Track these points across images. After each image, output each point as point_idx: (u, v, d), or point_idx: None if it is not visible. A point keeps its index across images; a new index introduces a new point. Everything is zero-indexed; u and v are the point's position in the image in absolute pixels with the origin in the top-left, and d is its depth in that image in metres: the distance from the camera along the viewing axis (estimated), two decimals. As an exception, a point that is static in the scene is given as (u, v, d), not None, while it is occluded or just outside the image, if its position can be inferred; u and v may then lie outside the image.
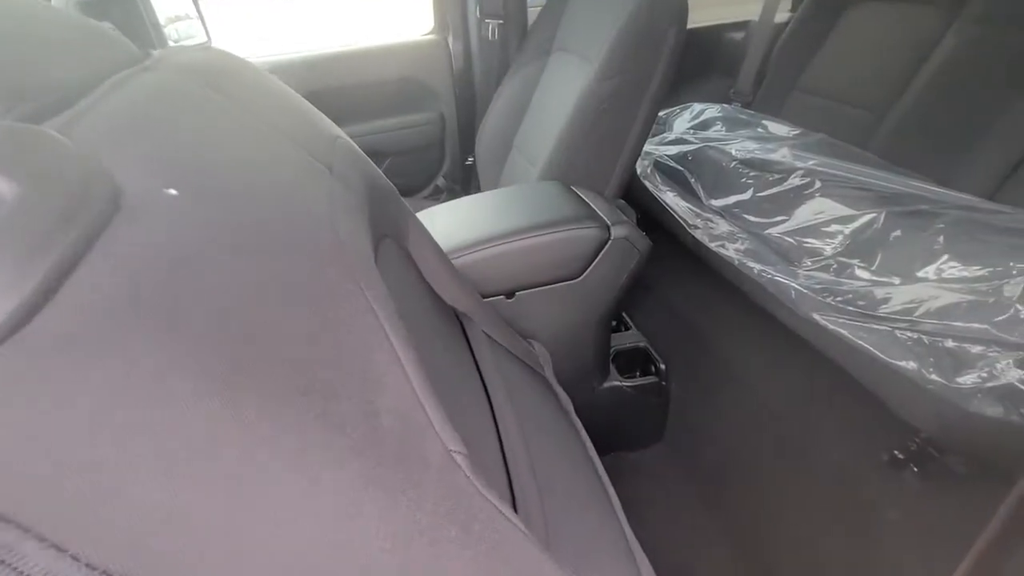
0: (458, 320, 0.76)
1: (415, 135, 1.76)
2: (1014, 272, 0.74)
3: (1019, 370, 0.71)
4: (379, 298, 0.34)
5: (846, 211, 1.05)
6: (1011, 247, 0.79)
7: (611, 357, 1.26)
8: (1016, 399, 0.72)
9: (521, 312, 1.00)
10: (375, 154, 1.73)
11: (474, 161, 1.67)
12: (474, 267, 0.93)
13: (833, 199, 1.10)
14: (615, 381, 1.22)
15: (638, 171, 1.54)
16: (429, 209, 1.08)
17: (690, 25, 1.87)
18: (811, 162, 1.21)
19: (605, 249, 0.99)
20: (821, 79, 1.57)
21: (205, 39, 1.36)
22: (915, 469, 0.92)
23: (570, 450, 0.70)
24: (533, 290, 0.99)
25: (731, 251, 1.18)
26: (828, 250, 1.02)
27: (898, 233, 0.93)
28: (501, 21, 1.56)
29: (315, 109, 0.58)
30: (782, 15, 1.76)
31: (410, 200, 1.88)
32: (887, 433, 0.93)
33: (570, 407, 0.82)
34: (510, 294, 0.98)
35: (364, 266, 0.36)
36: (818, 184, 1.15)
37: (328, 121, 0.59)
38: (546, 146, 1.22)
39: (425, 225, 0.73)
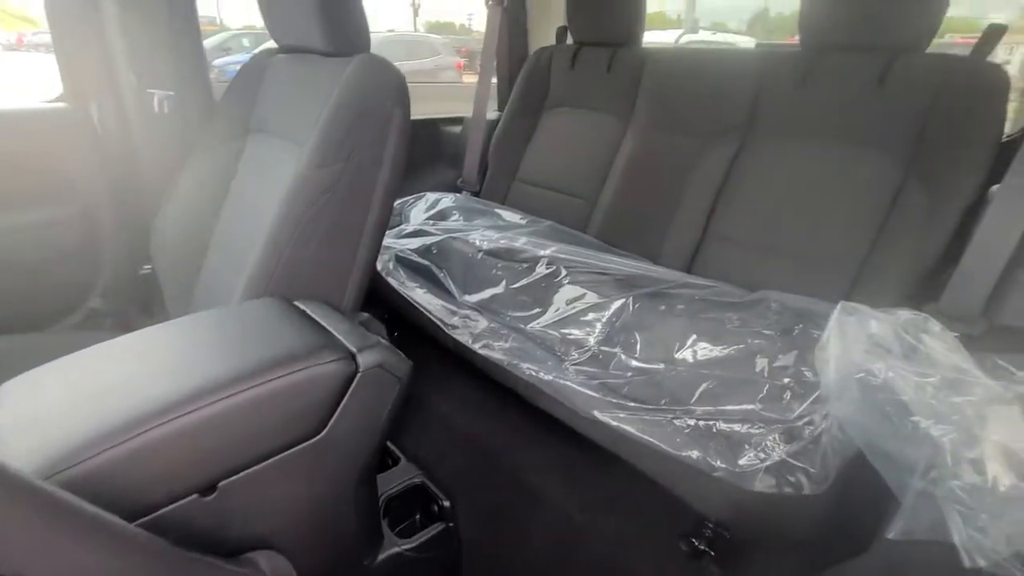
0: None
1: (44, 239, 1.19)
2: (755, 349, 0.78)
3: (786, 444, 0.73)
4: None
5: (596, 298, 1.04)
6: (740, 322, 0.86)
7: (381, 512, 0.97)
8: (787, 471, 0.73)
9: (230, 511, 0.64)
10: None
11: (152, 271, 1.21)
12: (136, 461, 0.54)
13: (581, 285, 1.10)
14: (393, 548, 0.92)
15: (378, 267, 1.34)
16: (36, 371, 0.63)
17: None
18: (551, 249, 1.21)
19: (353, 386, 0.72)
20: (536, 171, 1.69)
21: None
22: (712, 554, 0.89)
23: None
24: (249, 472, 0.64)
25: (497, 351, 1.06)
26: (591, 340, 0.98)
27: (648, 317, 0.94)
28: (172, 93, 1.19)
29: None
30: (492, 112, 1.88)
31: (50, 334, 1.25)
32: (683, 523, 0.89)
33: None
34: (208, 488, 0.61)
35: None
36: (564, 272, 1.15)
37: None
38: (254, 249, 0.91)
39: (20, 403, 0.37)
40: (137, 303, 1.34)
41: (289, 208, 0.89)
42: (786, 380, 0.75)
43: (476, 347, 1.09)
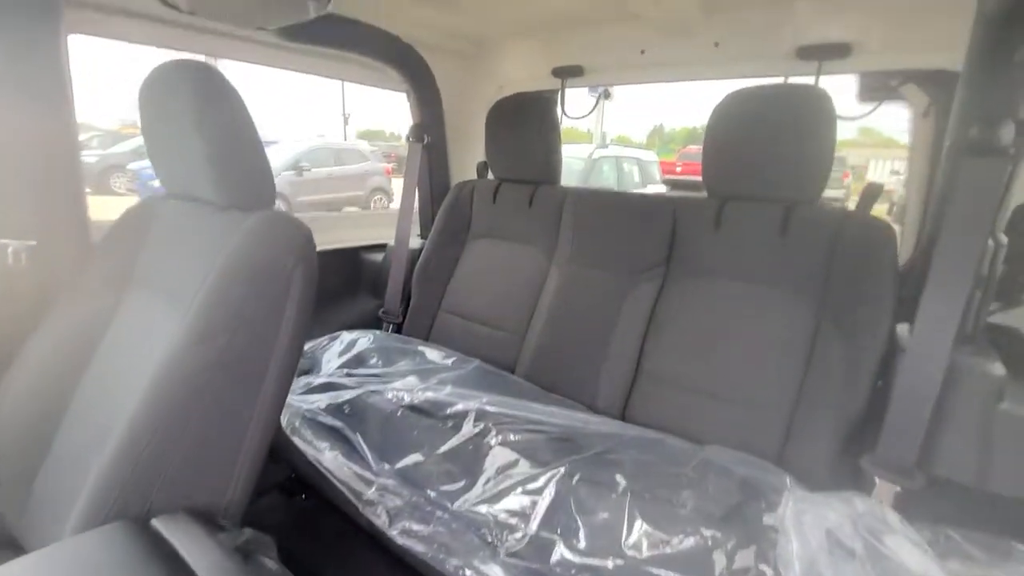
0: None
1: None
2: (710, 544, 0.69)
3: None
4: None
5: (530, 467, 0.93)
6: (690, 503, 0.78)
7: None
8: None
9: None
10: None
11: None
12: None
13: (513, 448, 0.99)
14: None
15: (283, 423, 1.16)
16: None
17: (331, 246, 1.75)
18: (479, 402, 1.11)
19: None
20: (461, 303, 1.62)
21: None
22: None
23: None
24: None
25: (418, 539, 0.90)
26: (528, 525, 0.86)
27: (590, 497, 0.84)
28: (32, 242, 1.03)
29: None
30: (415, 240, 1.83)
31: None
32: None
33: None
34: None
35: None
36: (494, 430, 1.04)
37: None
38: (110, 440, 0.73)
39: None
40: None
41: (157, 391, 0.74)
42: (748, 582, 0.67)
43: (394, 533, 0.92)
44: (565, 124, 1.85)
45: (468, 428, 1.07)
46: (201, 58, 1.34)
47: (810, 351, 1.06)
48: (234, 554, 0.65)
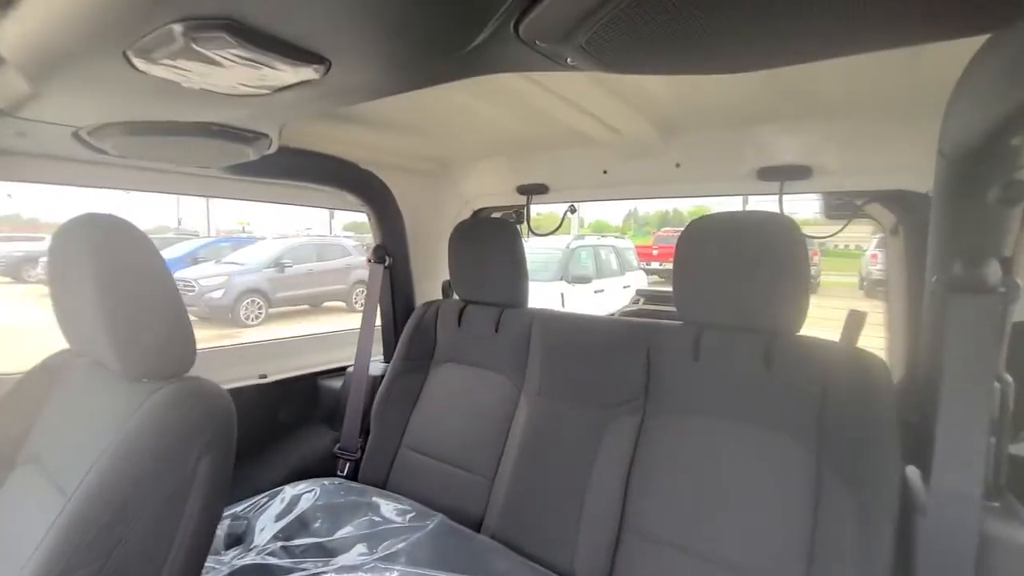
0: None
1: None
2: None
3: None
4: None
5: None
6: None
7: None
8: None
9: None
10: None
11: None
12: None
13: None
14: None
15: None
16: None
17: (286, 374, 1.61)
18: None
19: None
20: (425, 438, 1.47)
21: None
22: None
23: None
24: None
25: None
26: None
27: None
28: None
29: None
30: (376, 365, 1.70)
31: None
32: None
33: None
34: None
35: None
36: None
37: None
38: None
39: None
40: None
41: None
42: None
43: None
44: (542, 209, 1.81)
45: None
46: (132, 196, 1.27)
47: (815, 504, 0.92)
48: None
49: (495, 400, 1.39)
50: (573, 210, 1.68)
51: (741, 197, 2.77)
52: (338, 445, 1.58)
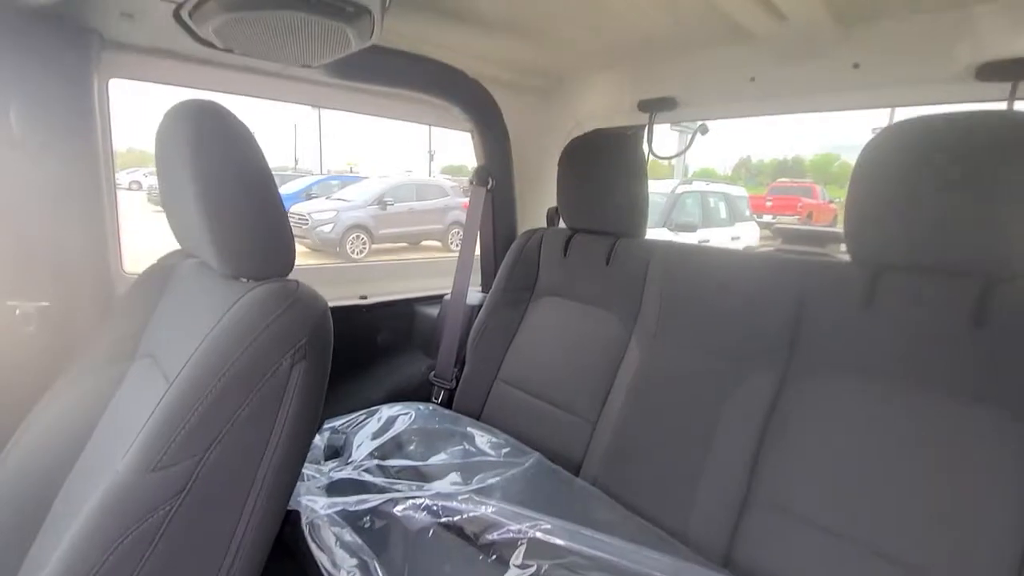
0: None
1: None
2: None
3: None
4: None
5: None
6: None
7: None
8: None
9: None
10: None
11: None
12: None
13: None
14: None
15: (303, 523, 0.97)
16: None
17: (383, 297, 1.60)
18: (532, 528, 0.85)
19: None
20: (522, 373, 1.38)
21: None
22: None
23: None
24: None
25: None
26: None
27: None
28: (45, 303, 0.93)
29: None
30: (474, 294, 1.63)
31: None
32: None
33: None
34: None
35: None
36: (547, 572, 0.78)
37: None
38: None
39: None
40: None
41: (103, 522, 0.57)
42: None
43: None
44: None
45: (515, 564, 0.81)
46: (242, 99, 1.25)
47: None
48: None
49: (601, 340, 1.25)
50: (704, 131, 1.43)
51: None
52: (433, 372, 1.55)
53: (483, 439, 1.17)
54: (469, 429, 1.21)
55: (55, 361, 0.95)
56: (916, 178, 0.81)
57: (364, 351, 1.55)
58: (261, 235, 0.73)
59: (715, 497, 0.94)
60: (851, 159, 0.92)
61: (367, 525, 0.90)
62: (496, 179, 1.56)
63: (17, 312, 0.90)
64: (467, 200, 1.65)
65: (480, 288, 1.71)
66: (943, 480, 0.77)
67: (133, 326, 0.91)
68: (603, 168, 1.29)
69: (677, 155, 1.43)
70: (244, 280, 0.74)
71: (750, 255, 1.20)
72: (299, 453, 0.71)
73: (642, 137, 1.48)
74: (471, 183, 1.56)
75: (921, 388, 0.81)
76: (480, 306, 1.51)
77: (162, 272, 0.97)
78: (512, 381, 1.39)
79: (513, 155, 1.59)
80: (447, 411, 1.30)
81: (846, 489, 0.83)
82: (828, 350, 0.92)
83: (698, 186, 7.38)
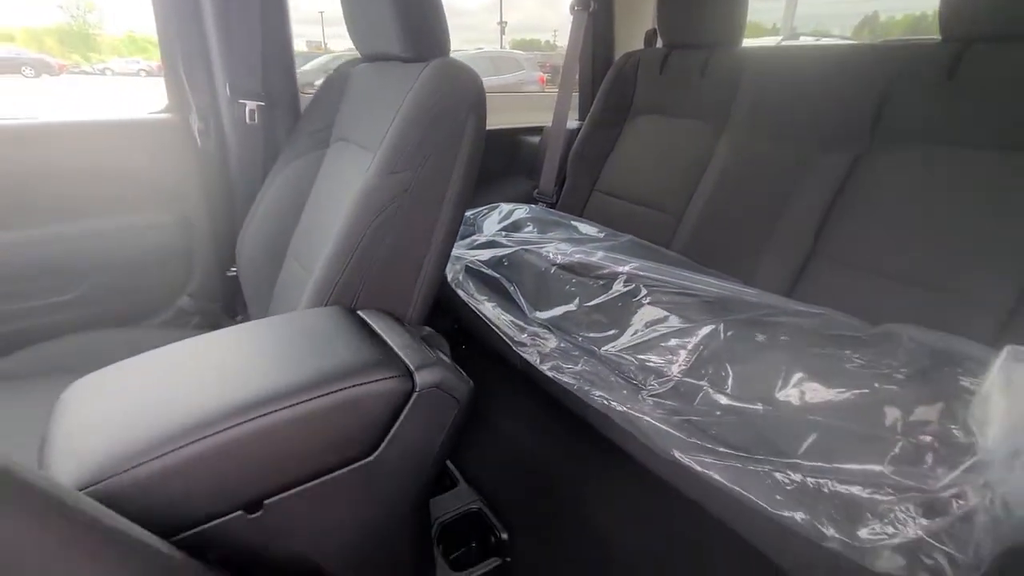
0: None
1: (144, 240, 1.27)
2: (882, 396, 0.64)
3: (924, 519, 0.58)
4: None
5: (680, 322, 0.93)
6: (862, 360, 0.71)
7: (435, 539, 0.91)
8: (924, 551, 0.58)
9: (276, 531, 0.60)
10: (82, 270, 1.19)
11: (237, 274, 1.26)
12: (181, 473, 0.52)
13: (663, 307, 0.99)
14: (444, 580, 0.86)
15: (448, 277, 1.31)
16: (103, 371, 0.64)
17: (487, 127, 1.82)
18: (630, 265, 1.11)
19: (409, 406, 0.67)
20: (617, 182, 1.59)
21: None
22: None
23: None
24: (297, 490, 0.61)
25: (567, 375, 0.97)
26: (673, 370, 0.87)
27: (742, 348, 0.82)
28: (262, 103, 1.24)
29: None
30: (572, 122, 1.81)
31: (142, 329, 1.34)
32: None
33: None
34: (254, 505, 0.58)
35: None
36: (644, 291, 1.04)
37: None
38: (324, 255, 0.90)
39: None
40: (222, 304, 1.40)
41: (357, 216, 0.87)
42: (927, 438, 0.60)
43: (545, 368, 1.01)
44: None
45: (618, 287, 1.09)
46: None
47: None
48: (419, 340, 0.78)
49: (692, 147, 1.41)
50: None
51: None
52: (536, 190, 1.80)
53: (585, 227, 1.42)
54: (573, 222, 1.46)
55: (273, 143, 1.28)
56: None
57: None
58: (431, 22, 0.95)
59: (781, 254, 1.15)
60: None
61: (505, 263, 1.21)
62: (597, 1, 1.64)
63: (247, 108, 1.22)
64: (543, 75, 1.75)
65: (578, 118, 1.88)
66: (1008, 230, 0.90)
67: (325, 119, 1.20)
68: None
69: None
70: (417, 63, 0.97)
71: (839, 46, 1.26)
72: (470, 183, 0.96)
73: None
74: (573, 8, 1.66)
75: (993, 151, 0.92)
76: (578, 131, 1.70)
77: (340, 78, 1.23)
78: (608, 190, 1.61)
79: None
80: (554, 210, 1.56)
81: (904, 241, 1.00)
82: (907, 125, 1.03)
83: (806, 41, 6.60)
